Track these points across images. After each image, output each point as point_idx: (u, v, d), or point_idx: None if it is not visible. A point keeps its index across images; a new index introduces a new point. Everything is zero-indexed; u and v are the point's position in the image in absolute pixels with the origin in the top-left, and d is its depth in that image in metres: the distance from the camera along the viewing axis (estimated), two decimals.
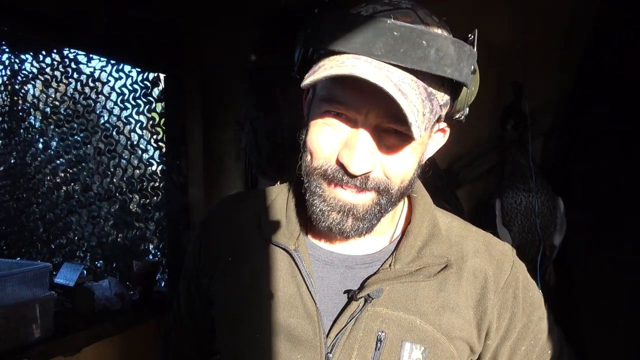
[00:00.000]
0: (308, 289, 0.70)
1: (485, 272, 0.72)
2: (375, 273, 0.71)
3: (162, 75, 2.28)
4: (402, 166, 0.65)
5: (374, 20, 0.59)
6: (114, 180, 2.40)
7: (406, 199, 0.79)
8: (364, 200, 0.66)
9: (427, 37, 0.58)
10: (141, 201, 2.39)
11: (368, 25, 0.59)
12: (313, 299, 0.70)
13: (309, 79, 0.60)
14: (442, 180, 1.76)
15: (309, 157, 0.67)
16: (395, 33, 0.58)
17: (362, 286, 0.70)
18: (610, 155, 1.58)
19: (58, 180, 2.52)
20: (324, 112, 0.65)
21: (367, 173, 0.64)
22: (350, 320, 0.68)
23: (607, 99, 1.60)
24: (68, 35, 1.81)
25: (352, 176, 0.63)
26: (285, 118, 1.84)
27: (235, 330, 0.75)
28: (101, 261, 2.49)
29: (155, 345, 2.04)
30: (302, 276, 0.71)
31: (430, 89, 0.62)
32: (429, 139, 0.70)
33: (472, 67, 0.64)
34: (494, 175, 1.84)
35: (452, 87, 0.66)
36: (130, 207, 2.42)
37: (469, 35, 0.64)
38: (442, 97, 0.65)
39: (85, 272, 2.08)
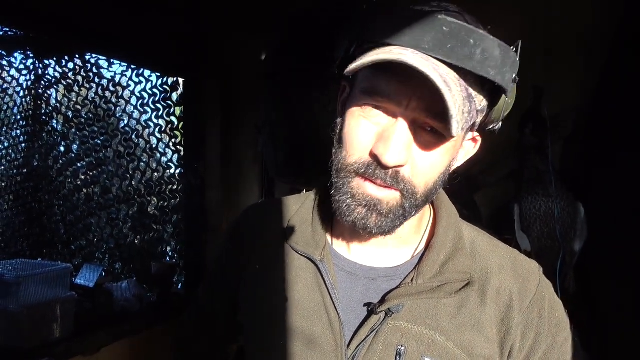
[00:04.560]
0: (332, 300, 0.70)
1: (510, 290, 0.71)
2: (396, 287, 0.70)
3: (181, 80, 2.32)
4: (431, 166, 0.64)
5: (424, 14, 0.58)
6: (133, 183, 2.44)
7: (432, 211, 0.78)
8: (389, 197, 0.65)
9: (475, 36, 0.58)
10: (159, 204, 2.42)
11: (417, 18, 0.58)
12: (336, 309, 0.70)
13: (354, 65, 0.60)
14: (460, 184, 1.75)
15: (343, 153, 0.66)
16: (444, 28, 0.57)
17: (382, 300, 0.69)
18: (632, 161, 1.56)
19: (79, 183, 2.57)
20: (363, 105, 0.64)
21: (399, 167, 0.63)
22: (371, 333, 0.68)
23: (631, 103, 1.57)
24: (90, 40, 1.85)
25: (385, 168, 0.62)
26: (302, 121, 1.84)
27: (261, 337, 0.76)
28: (119, 263, 2.52)
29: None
30: (327, 286, 0.71)
31: (470, 91, 0.61)
32: (460, 146, 0.70)
33: (514, 76, 0.63)
34: (513, 180, 1.82)
35: (491, 94, 0.65)
36: (149, 209, 2.45)
37: (512, 48, 0.63)
38: (481, 102, 0.64)
39: (104, 273, 2.12)
